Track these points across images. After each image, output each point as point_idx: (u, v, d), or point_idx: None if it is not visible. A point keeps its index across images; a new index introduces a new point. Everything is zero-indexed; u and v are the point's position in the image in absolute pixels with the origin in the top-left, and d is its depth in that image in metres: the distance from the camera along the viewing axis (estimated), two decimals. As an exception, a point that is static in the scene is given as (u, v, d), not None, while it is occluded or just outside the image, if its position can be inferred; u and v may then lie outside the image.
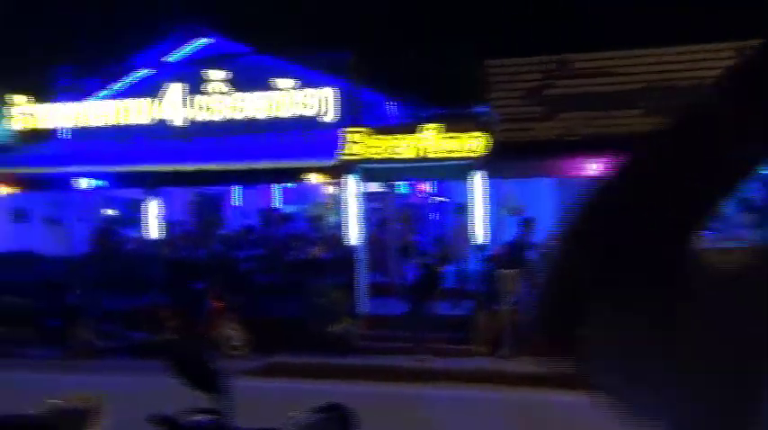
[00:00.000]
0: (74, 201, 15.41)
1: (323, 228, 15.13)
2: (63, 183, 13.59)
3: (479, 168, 11.47)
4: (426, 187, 16.34)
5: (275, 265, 12.85)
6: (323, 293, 11.86)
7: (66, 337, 11.19)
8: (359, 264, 12.26)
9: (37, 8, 14.00)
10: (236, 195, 17.70)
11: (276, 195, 17.84)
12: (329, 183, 14.35)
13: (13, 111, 13.58)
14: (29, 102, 13.53)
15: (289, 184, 16.10)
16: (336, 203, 16.39)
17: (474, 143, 11.10)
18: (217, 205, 18.13)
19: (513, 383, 9.33)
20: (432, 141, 11.25)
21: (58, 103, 13.47)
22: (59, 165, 13.23)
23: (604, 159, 11.67)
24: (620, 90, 10.83)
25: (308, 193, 17.50)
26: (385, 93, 13.47)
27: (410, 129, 11.45)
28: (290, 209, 17.30)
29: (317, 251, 13.09)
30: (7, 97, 13.77)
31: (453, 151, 11.19)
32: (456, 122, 11.57)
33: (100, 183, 13.46)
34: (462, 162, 11.27)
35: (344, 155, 11.63)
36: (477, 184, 11.65)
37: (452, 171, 11.59)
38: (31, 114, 13.49)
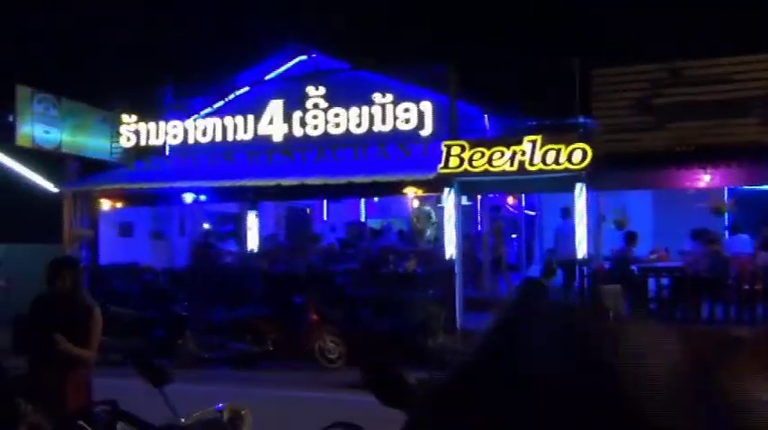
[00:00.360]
0: (177, 215, 16.00)
1: (416, 241, 15.11)
2: (167, 198, 14.09)
3: (582, 180, 11.19)
4: (514, 200, 16.10)
5: (371, 279, 12.89)
6: (420, 307, 11.81)
7: (174, 348, 11.52)
8: (455, 278, 12.15)
9: (144, 29, 14.62)
10: (324, 209, 17.95)
11: (362, 209, 17.99)
12: (424, 197, 14.35)
13: (122, 128, 14.20)
14: (137, 120, 14.12)
15: (375, 198, 16.24)
16: (427, 216, 16.40)
17: (576, 155, 10.83)
18: (306, 219, 18.44)
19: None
20: (532, 153, 11.04)
21: (164, 122, 14.00)
22: (164, 180, 13.73)
23: (716, 170, 11.24)
24: (733, 98, 10.36)
25: (392, 207, 17.57)
26: (483, 105, 13.35)
27: (510, 141, 11.28)
28: (376, 222, 17.41)
29: (411, 265, 13.06)
30: (116, 115, 14.43)
31: (554, 163, 10.94)
32: (557, 134, 11.34)
33: (202, 197, 13.88)
34: (564, 174, 11.01)
35: (443, 168, 11.57)
36: (580, 197, 11.37)
37: (553, 183, 11.34)
38: (139, 132, 14.06)
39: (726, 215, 13.00)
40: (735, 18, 10.94)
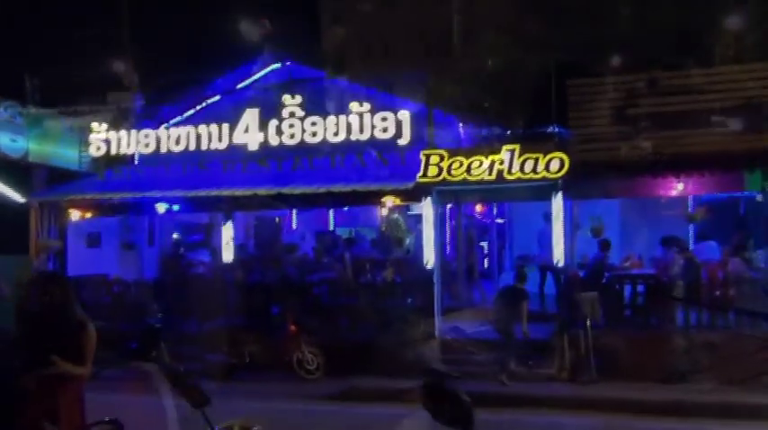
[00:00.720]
0: (147, 225, 15.68)
1: (389, 249, 15.08)
2: (138, 207, 13.83)
3: (558, 189, 11.34)
4: (483, 209, 16.22)
5: (349, 289, 12.83)
6: (399, 316, 11.79)
7: (148, 360, 11.28)
8: (435, 287, 12.17)
9: (112, 36, 14.35)
10: (294, 218, 17.81)
11: (330, 218, 17.91)
12: (401, 206, 14.35)
13: (91, 137, 13.89)
14: (107, 128, 13.82)
15: (345, 207, 16.17)
16: (395, 225, 16.40)
17: (553, 164, 10.97)
18: (276, 228, 18.26)
19: (598, 409, 9.12)
20: (510, 162, 11.15)
21: (135, 130, 13.74)
22: (135, 190, 13.47)
23: (688, 178, 11.51)
24: (705, 108, 10.63)
25: (360, 216, 17.55)
26: (460, 114, 13.42)
27: (488, 150, 11.37)
28: (344, 231, 17.35)
29: (389, 274, 13.04)
30: (85, 123, 14.12)
31: (532, 172, 11.06)
32: (534, 143, 11.47)
33: (175, 207, 13.65)
34: (541, 183, 11.13)
35: (422, 177, 11.59)
36: (557, 206, 11.50)
37: (531, 192, 11.47)
38: (109, 140, 13.76)
39: (697, 222, 13.32)
40: (706, 30, 11.25)
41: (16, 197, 14.02)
